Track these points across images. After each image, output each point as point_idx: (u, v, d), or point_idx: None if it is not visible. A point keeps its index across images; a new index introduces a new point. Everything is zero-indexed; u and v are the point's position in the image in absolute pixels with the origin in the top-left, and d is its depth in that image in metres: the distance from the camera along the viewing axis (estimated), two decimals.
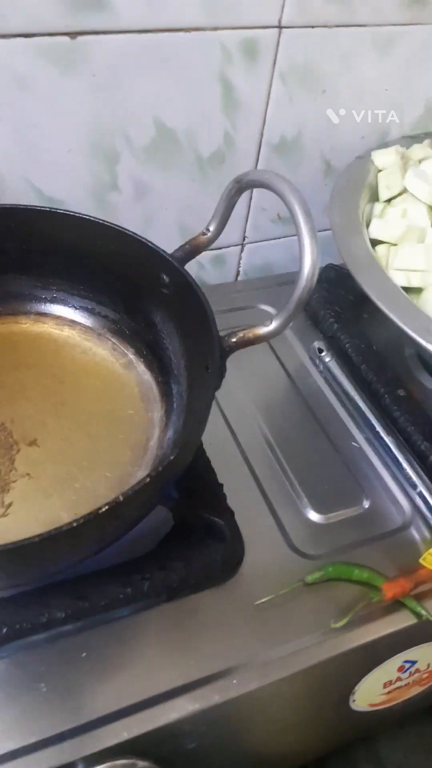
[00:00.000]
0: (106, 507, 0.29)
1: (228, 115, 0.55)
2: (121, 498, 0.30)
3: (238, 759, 0.47)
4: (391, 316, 0.44)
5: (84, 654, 0.39)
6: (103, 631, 0.39)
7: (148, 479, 0.31)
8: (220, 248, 0.64)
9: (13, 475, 0.41)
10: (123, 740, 0.36)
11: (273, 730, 0.46)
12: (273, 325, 0.38)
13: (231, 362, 0.40)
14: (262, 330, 0.38)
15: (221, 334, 0.39)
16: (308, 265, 0.36)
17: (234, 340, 0.39)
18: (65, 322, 0.51)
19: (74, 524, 0.28)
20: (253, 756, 0.48)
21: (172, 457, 0.33)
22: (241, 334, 0.39)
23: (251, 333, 0.39)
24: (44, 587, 0.39)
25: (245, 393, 0.55)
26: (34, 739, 0.35)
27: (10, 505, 0.40)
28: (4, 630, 0.38)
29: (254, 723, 0.43)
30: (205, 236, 0.44)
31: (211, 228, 0.44)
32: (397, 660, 0.45)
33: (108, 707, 0.37)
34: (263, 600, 0.41)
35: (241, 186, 0.42)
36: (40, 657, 0.38)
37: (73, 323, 0.50)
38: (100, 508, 0.29)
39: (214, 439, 0.48)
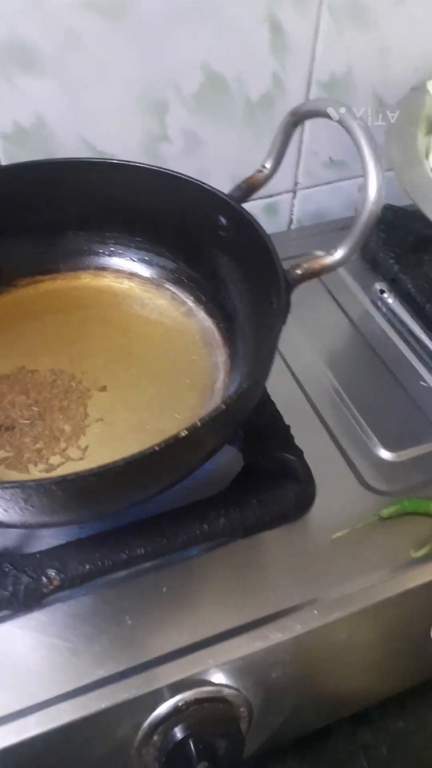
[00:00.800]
0: (186, 432, 0.30)
1: (276, 55, 0.54)
2: (199, 424, 0.30)
3: (320, 692, 0.48)
4: None
5: (165, 589, 0.40)
6: (182, 567, 0.40)
7: (223, 406, 0.31)
8: (271, 196, 0.63)
9: (87, 420, 0.42)
10: (209, 668, 0.37)
11: (354, 662, 0.46)
12: (339, 254, 0.37)
13: (291, 314, 0.39)
14: (328, 259, 0.37)
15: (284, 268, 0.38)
16: (374, 188, 0.35)
17: (299, 272, 0.38)
18: (124, 275, 0.51)
19: (156, 448, 0.29)
20: (334, 689, 0.49)
21: (245, 386, 0.33)
22: (306, 266, 0.38)
23: (317, 264, 0.38)
24: (123, 527, 0.41)
25: (308, 342, 0.55)
26: (122, 668, 0.36)
27: (86, 448, 0.41)
28: (88, 567, 0.39)
29: (335, 655, 0.43)
30: (262, 173, 0.43)
31: (268, 165, 0.43)
32: None
33: (193, 637, 0.37)
34: (339, 534, 0.41)
35: (297, 118, 0.41)
36: (124, 593, 0.39)
37: (132, 275, 0.51)
38: (180, 432, 0.29)
39: (279, 388, 0.48)
